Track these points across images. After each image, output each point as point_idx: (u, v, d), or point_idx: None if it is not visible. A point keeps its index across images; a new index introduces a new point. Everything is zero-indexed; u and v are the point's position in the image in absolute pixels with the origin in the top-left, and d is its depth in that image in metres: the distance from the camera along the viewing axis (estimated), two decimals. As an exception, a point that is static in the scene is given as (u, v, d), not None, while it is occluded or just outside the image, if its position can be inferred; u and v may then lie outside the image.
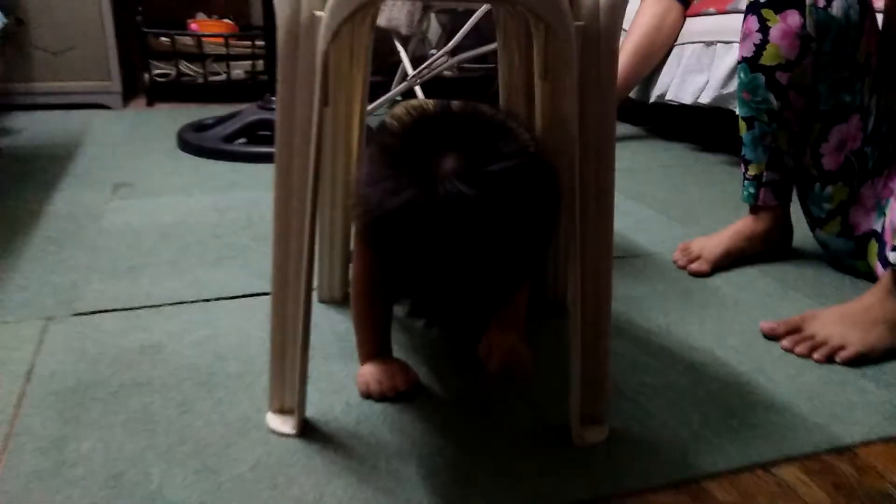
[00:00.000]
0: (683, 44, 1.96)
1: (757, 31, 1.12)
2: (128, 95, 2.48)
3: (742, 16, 1.15)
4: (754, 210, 1.25)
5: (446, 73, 2.46)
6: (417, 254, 0.62)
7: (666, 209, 1.54)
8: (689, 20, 1.98)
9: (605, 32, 0.69)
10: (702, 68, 1.88)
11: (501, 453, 0.74)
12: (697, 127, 2.20)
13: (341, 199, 0.98)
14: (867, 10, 1.07)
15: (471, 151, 0.61)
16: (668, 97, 1.97)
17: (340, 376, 0.86)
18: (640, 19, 2.01)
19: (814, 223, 1.22)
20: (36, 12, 2.21)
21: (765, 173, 1.21)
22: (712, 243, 1.22)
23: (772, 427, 0.80)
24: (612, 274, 0.76)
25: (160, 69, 2.49)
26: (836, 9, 1.06)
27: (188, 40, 2.46)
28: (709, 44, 1.87)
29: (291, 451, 0.73)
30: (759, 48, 1.13)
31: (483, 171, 0.59)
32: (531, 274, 0.78)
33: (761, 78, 1.14)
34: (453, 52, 2.35)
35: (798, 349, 0.95)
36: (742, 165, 1.24)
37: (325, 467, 0.71)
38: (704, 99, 1.84)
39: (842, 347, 0.93)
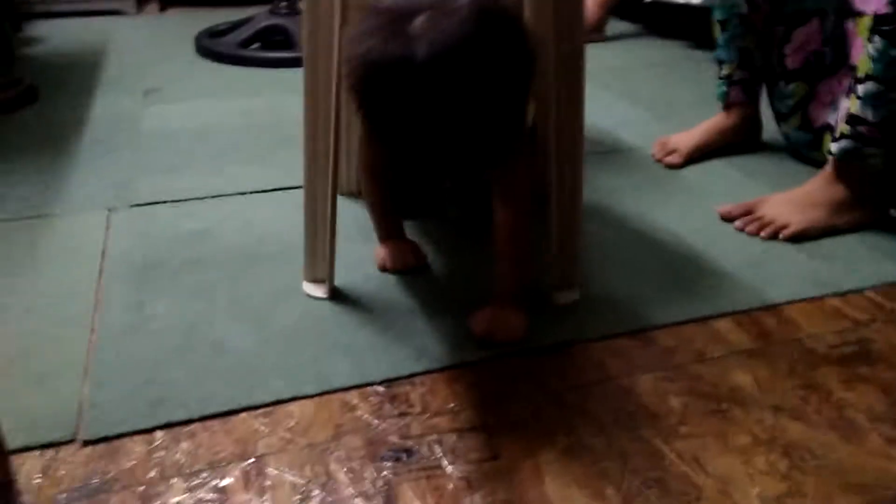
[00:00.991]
0: (679, -58, 2.02)
1: (731, -60, 1.22)
2: (140, 1, 2.56)
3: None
4: (726, 107, 1.38)
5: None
6: (397, 100, 0.70)
7: (652, 107, 1.67)
8: (685, -82, 2.03)
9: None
10: (694, -33, 1.95)
11: (492, 310, 0.92)
12: (691, 25, 2.28)
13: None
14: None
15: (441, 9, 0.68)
16: (662, -4, 2.05)
17: (361, 254, 1.03)
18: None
19: (778, 118, 1.35)
20: (50, -81, 2.28)
21: (736, 72, 1.33)
22: (686, 138, 1.36)
23: (714, 290, 0.97)
24: (582, 160, 0.91)
25: (171, -27, 2.55)
26: (801, -80, 1.16)
27: (197, -57, 2.51)
28: (702, -57, 1.93)
29: (325, 310, 0.91)
30: (733, -44, 1.23)
31: (448, 24, 0.67)
32: (511, 124, 0.76)
33: (733, -16, 1.25)
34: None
35: (748, 228, 1.11)
36: (716, 65, 1.37)
37: (352, 322, 0.89)
38: (694, -1, 1.92)
39: (785, 226, 1.09)
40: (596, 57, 2.05)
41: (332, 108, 0.85)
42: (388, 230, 1.02)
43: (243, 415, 0.75)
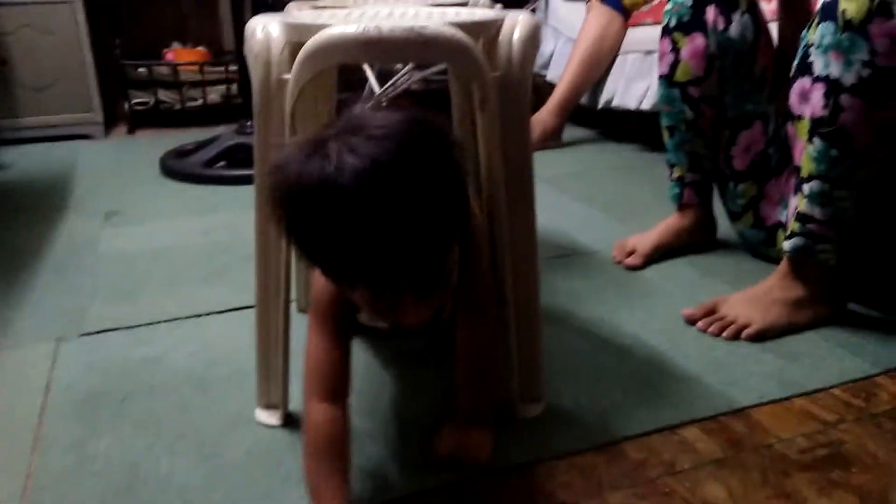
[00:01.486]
0: (626, 53, 2.12)
1: (670, 51, 1.28)
2: (109, 124, 2.60)
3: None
4: (681, 208, 1.40)
5: (413, 86, 2.61)
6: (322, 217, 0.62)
7: (610, 209, 1.70)
8: (630, 30, 2.14)
9: (518, 79, 0.84)
10: (643, 75, 2.04)
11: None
12: (645, 129, 2.36)
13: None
14: (760, 30, 1.23)
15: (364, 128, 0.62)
16: (614, 103, 2.13)
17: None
18: (586, 30, 2.17)
19: (731, 217, 1.38)
20: (18, 52, 2.33)
21: (687, 175, 1.37)
22: (644, 239, 1.38)
23: (680, 395, 0.95)
24: (538, 268, 0.91)
25: (139, 98, 2.61)
26: (734, 31, 1.22)
27: (165, 69, 2.59)
28: (648, 52, 2.03)
29: (278, 439, 0.87)
30: (673, 66, 1.28)
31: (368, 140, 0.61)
32: (447, 234, 0.67)
33: (676, 92, 1.30)
34: (419, 67, 2.48)
35: (710, 329, 1.10)
36: (668, 168, 1.40)
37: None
38: (646, 105, 2.00)
39: (747, 325, 1.09)
40: (553, 162, 2.12)
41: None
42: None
43: (186, 562, 0.70)
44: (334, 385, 0.77)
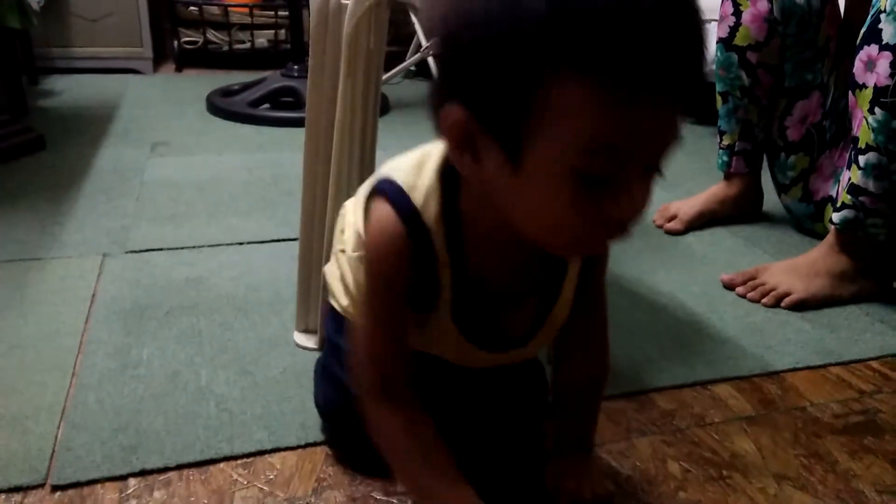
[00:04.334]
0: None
1: (731, 14, 1.25)
2: (158, 61, 2.62)
3: (721, -1, 1.28)
4: (727, 176, 1.38)
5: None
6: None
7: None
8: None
9: None
10: (697, 45, 1.99)
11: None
12: (695, 102, 2.31)
13: (358, 159, 1.13)
14: (828, -2, 1.20)
15: None
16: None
17: (354, 306, 1.01)
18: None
19: (779, 189, 1.35)
20: (75, -19, 2.36)
21: (737, 143, 1.34)
22: (688, 205, 1.36)
23: (714, 354, 0.95)
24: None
25: (188, 37, 2.63)
26: (800, -4, 1.19)
27: (215, 10, 2.60)
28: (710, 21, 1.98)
29: (314, 361, 0.89)
30: (733, 30, 1.26)
31: None
32: None
33: (734, 57, 1.27)
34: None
35: (750, 295, 1.09)
36: (718, 135, 1.38)
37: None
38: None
39: (787, 294, 1.08)
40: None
41: (331, 160, 0.85)
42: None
43: (222, 464, 0.72)
44: (403, 381, 0.61)
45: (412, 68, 2.57)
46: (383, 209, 0.58)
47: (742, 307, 1.08)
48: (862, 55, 1.04)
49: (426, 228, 0.57)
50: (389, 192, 0.58)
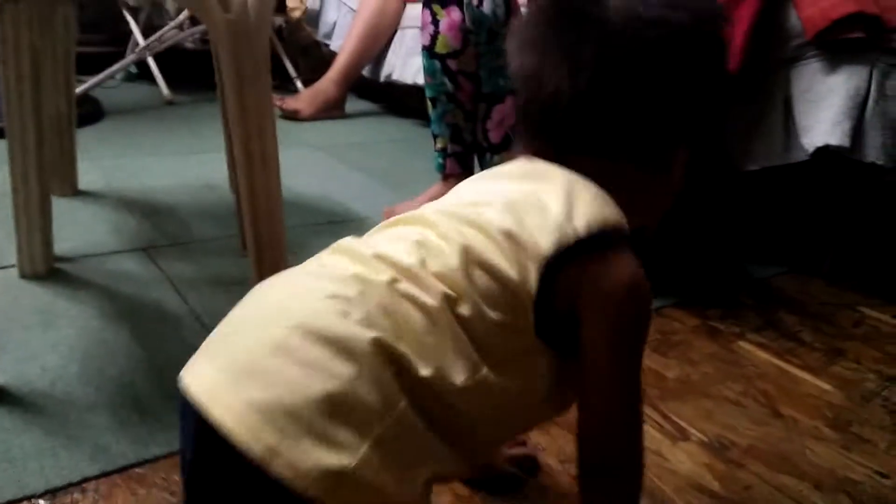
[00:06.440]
0: (405, 28, 2.15)
1: (430, 23, 1.32)
2: None
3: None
4: (445, 177, 1.45)
5: (188, 44, 2.44)
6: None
7: (386, 178, 1.72)
8: (408, 6, 2.17)
9: (253, 25, 0.81)
10: (419, 51, 2.07)
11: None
12: (424, 103, 2.41)
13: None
14: (511, 9, 1.30)
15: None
16: (394, 77, 2.16)
17: (37, 344, 0.91)
18: (366, 2, 2.16)
19: (489, 187, 1.45)
20: None
21: (449, 146, 1.42)
22: (410, 207, 1.40)
23: None
24: (282, 223, 0.89)
25: None
26: (486, 7, 1.27)
27: None
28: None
29: None
30: (433, 38, 1.32)
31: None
32: None
33: (438, 64, 1.34)
34: (194, 23, 2.32)
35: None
36: (433, 139, 1.44)
37: (14, 425, 0.77)
38: (421, 80, 2.03)
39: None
40: (335, 132, 2.10)
41: None
42: None
43: None
44: None
45: (132, 70, 2.39)
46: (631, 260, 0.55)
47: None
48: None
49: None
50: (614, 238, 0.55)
